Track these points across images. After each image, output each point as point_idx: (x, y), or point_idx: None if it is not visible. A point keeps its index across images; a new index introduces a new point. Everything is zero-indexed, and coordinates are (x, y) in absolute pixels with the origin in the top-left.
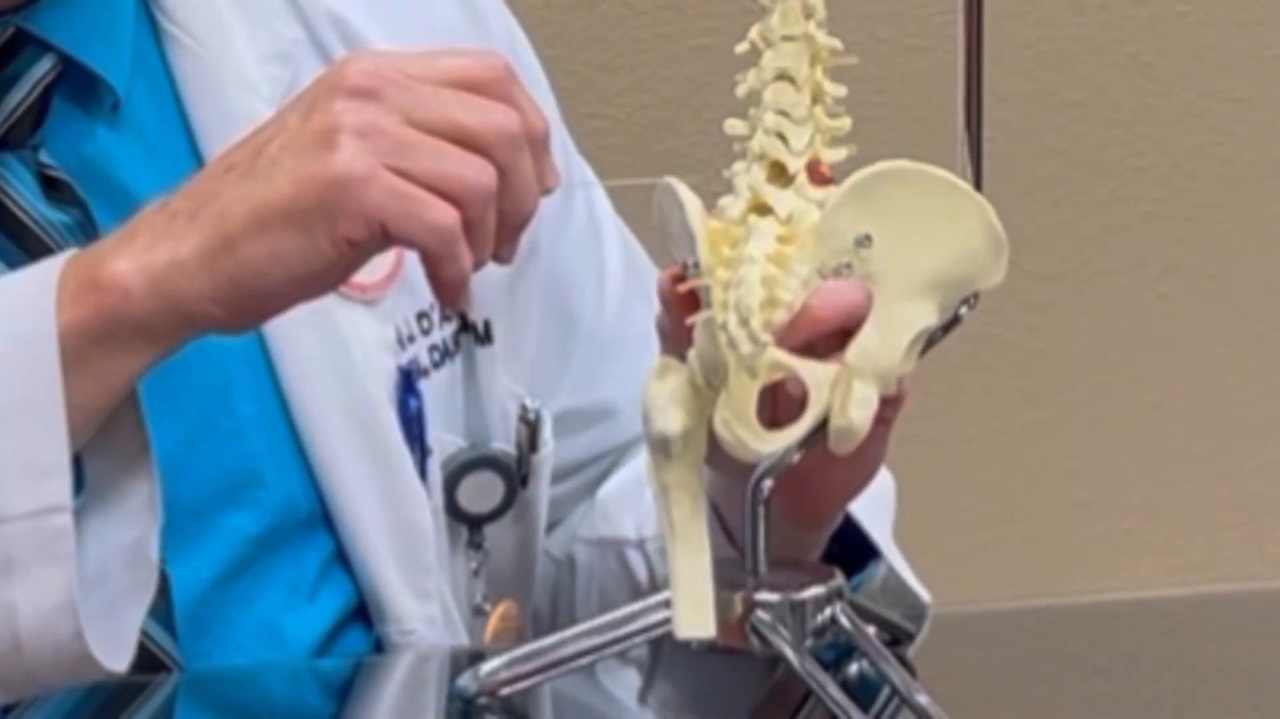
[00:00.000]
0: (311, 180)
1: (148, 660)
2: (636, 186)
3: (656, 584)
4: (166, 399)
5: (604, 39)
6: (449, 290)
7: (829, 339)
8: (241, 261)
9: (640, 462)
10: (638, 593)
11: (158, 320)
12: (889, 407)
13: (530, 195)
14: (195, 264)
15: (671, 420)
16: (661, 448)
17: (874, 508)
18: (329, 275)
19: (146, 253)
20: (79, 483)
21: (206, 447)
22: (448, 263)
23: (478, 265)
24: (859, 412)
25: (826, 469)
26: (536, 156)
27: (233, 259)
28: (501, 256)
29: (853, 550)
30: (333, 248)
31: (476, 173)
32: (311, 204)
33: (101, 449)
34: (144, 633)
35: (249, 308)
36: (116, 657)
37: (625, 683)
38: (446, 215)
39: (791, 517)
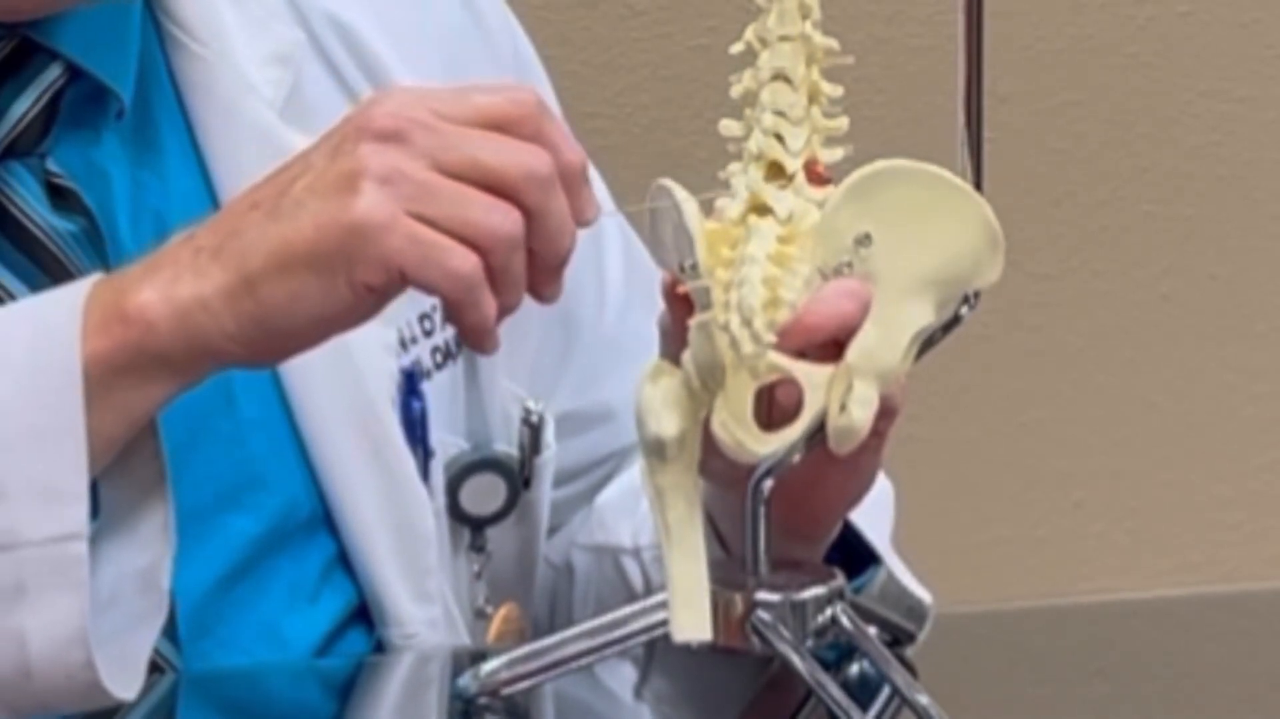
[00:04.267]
0: (332, 225)
1: (148, 666)
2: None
3: (652, 592)
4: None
5: (604, 39)
6: (474, 336)
7: (822, 347)
8: (262, 302)
9: (638, 468)
10: (633, 600)
11: (180, 354)
12: (884, 419)
13: (565, 234)
14: (218, 302)
15: (666, 423)
16: (656, 451)
17: (872, 514)
18: (350, 317)
19: (171, 286)
20: (94, 508)
21: (208, 449)
22: (469, 310)
23: (507, 310)
24: (860, 410)
25: (822, 481)
26: (573, 191)
27: (253, 300)
28: (544, 296)
29: (852, 556)
30: (351, 292)
31: (500, 219)
32: (331, 249)
33: (118, 475)
34: None
35: (270, 346)
36: (126, 684)
37: (625, 680)
38: (466, 262)
39: (788, 530)
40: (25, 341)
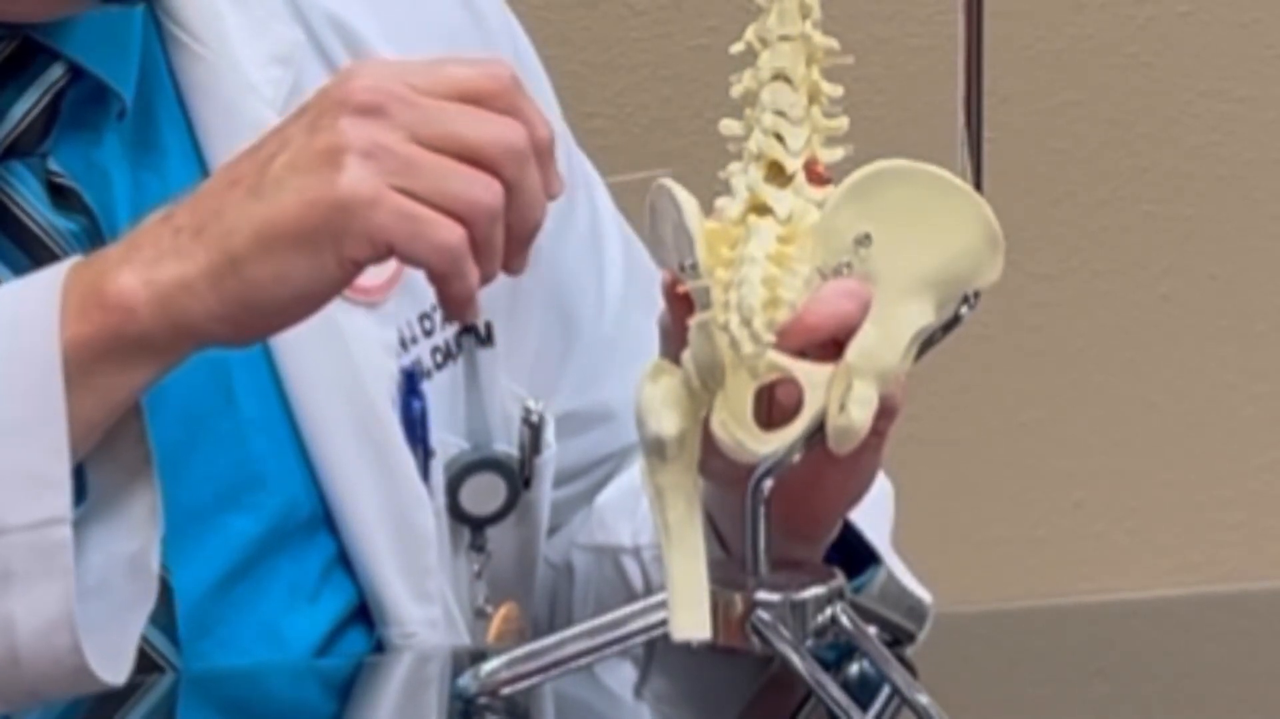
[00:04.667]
0: (317, 202)
1: (146, 665)
2: (639, 181)
3: (652, 591)
4: (168, 401)
5: (604, 39)
6: (457, 306)
7: (822, 347)
8: (247, 281)
9: (638, 468)
10: (633, 600)
11: (163, 337)
12: (883, 419)
13: (537, 207)
14: (202, 283)
15: (666, 423)
16: (656, 450)
17: (872, 514)
18: (335, 291)
19: (152, 269)
20: (81, 493)
21: (207, 449)
22: (455, 281)
23: (486, 280)
24: (859, 410)
25: (822, 481)
26: (544, 165)
27: (238, 279)
28: (512, 268)
29: (852, 556)
30: (339, 268)
31: (482, 191)
32: (318, 225)
33: (104, 460)
34: (143, 638)
35: (255, 325)
36: (115, 669)
37: (625, 679)
38: (453, 234)
39: (788, 530)
40: (3, 328)
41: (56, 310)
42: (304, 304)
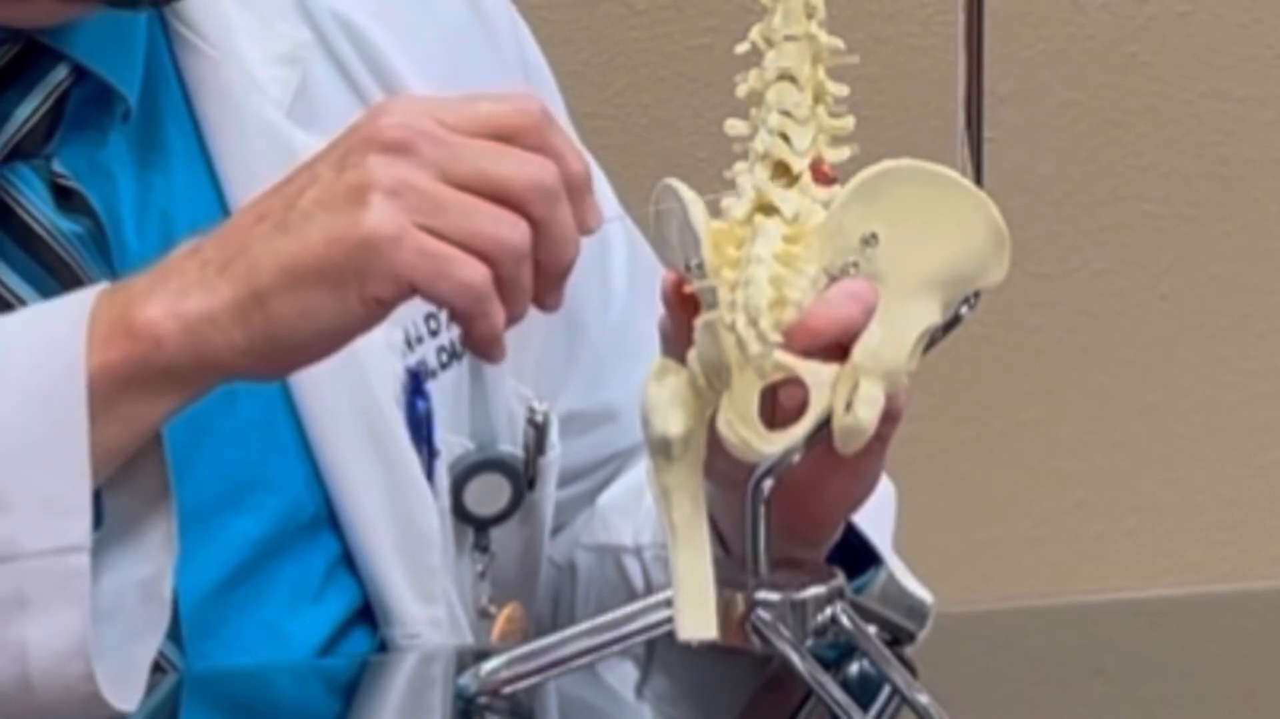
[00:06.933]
0: (342, 239)
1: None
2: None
3: (652, 591)
4: None
5: (604, 39)
6: (482, 346)
7: (827, 347)
8: (272, 316)
9: (641, 469)
10: (634, 600)
11: (188, 369)
12: (886, 423)
13: (569, 244)
14: (227, 317)
15: (672, 423)
16: (662, 450)
17: (874, 516)
18: (358, 329)
19: (178, 301)
20: (96, 517)
21: (211, 449)
22: (479, 321)
23: (514, 319)
24: (866, 410)
25: (824, 485)
26: (577, 199)
27: (263, 314)
28: (546, 305)
29: (853, 556)
30: (362, 306)
31: (509, 230)
32: (342, 263)
33: (122, 486)
34: None
35: (280, 360)
36: (127, 696)
37: (627, 678)
38: (477, 274)
39: (789, 532)
40: (29, 353)
41: (83, 338)
42: (328, 341)
